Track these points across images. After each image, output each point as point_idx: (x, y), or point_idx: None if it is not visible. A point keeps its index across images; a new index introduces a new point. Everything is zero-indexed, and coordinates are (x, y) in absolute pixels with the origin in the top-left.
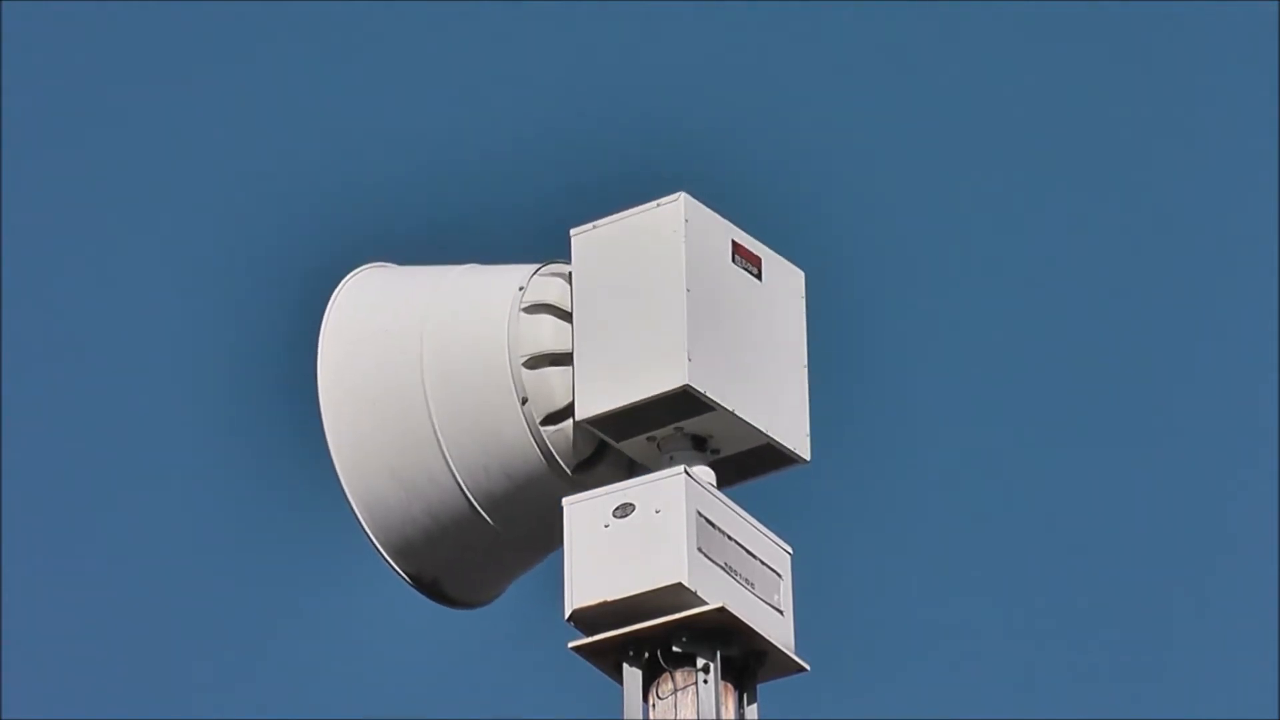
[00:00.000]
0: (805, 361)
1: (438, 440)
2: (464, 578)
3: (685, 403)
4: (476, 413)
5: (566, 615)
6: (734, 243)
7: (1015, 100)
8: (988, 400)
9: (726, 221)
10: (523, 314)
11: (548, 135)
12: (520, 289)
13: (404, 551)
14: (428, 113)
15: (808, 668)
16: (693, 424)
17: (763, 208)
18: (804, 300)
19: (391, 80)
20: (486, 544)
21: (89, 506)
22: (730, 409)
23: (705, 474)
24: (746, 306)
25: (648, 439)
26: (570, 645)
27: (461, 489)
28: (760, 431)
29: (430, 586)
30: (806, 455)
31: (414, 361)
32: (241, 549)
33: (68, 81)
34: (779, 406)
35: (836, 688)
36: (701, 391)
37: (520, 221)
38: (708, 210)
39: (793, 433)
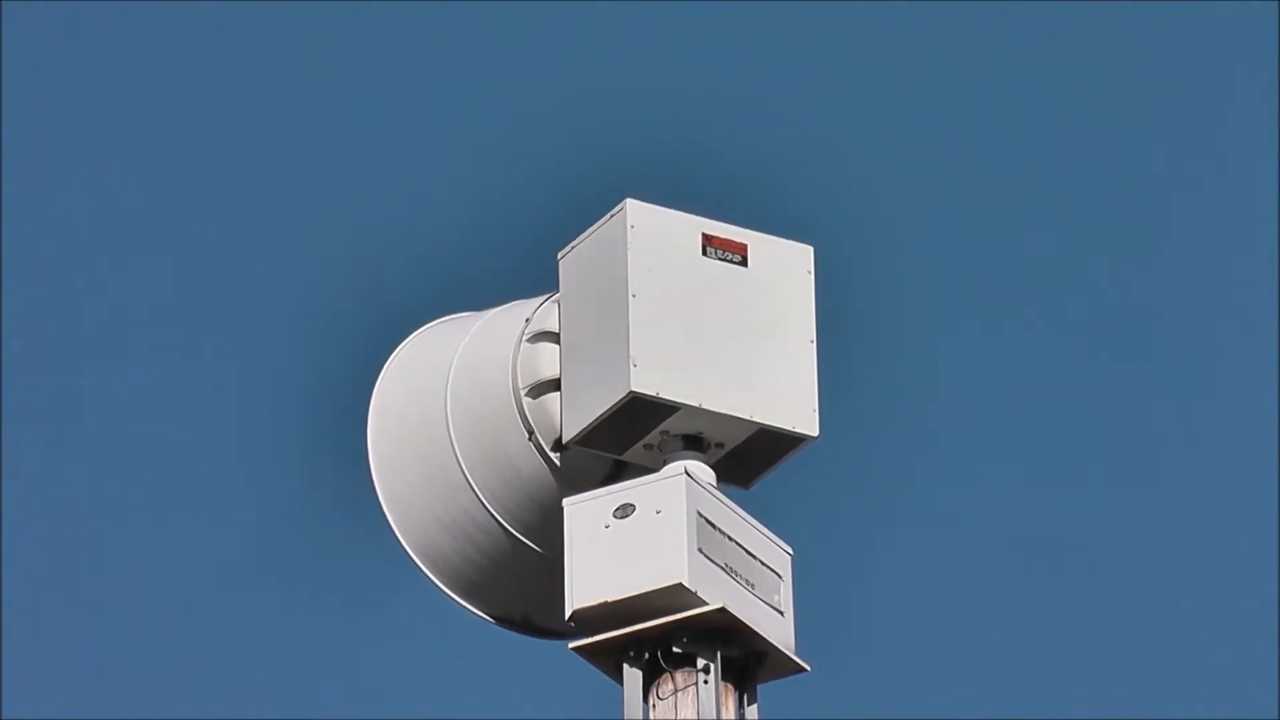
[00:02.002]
0: (813, 337)
1: (467, 480)
2: (552, 608)
3: (649, 407)
4: (493, 447)
5: (567, 615)
6: (705, 235)
7: (1021, 82)
8: (991, 401)
9: (695, 216)
10: (526, 344)
11: (573, 150)
12: (526, 320)
13: (476, 595)
14: (494, 147)
15: (808, 668)
16: (673, 425)
17: (774, 191)
18: (812, 275)
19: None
20: (549, 572)
21: (142, 546)
22: (696, 404)
23: (706, 474)
24: (727, 295)
25: (645, 447)
26: (571, 645)
27: (501, 525)
28: (746, 420)
29: (524, 625)
30: (813, 431)
31: (440, 406)
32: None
33: (137, 109)
34: (774, 389)
35: (837, 688)
36: (652, 394)
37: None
38: (668, 210)
39: (794, 412)
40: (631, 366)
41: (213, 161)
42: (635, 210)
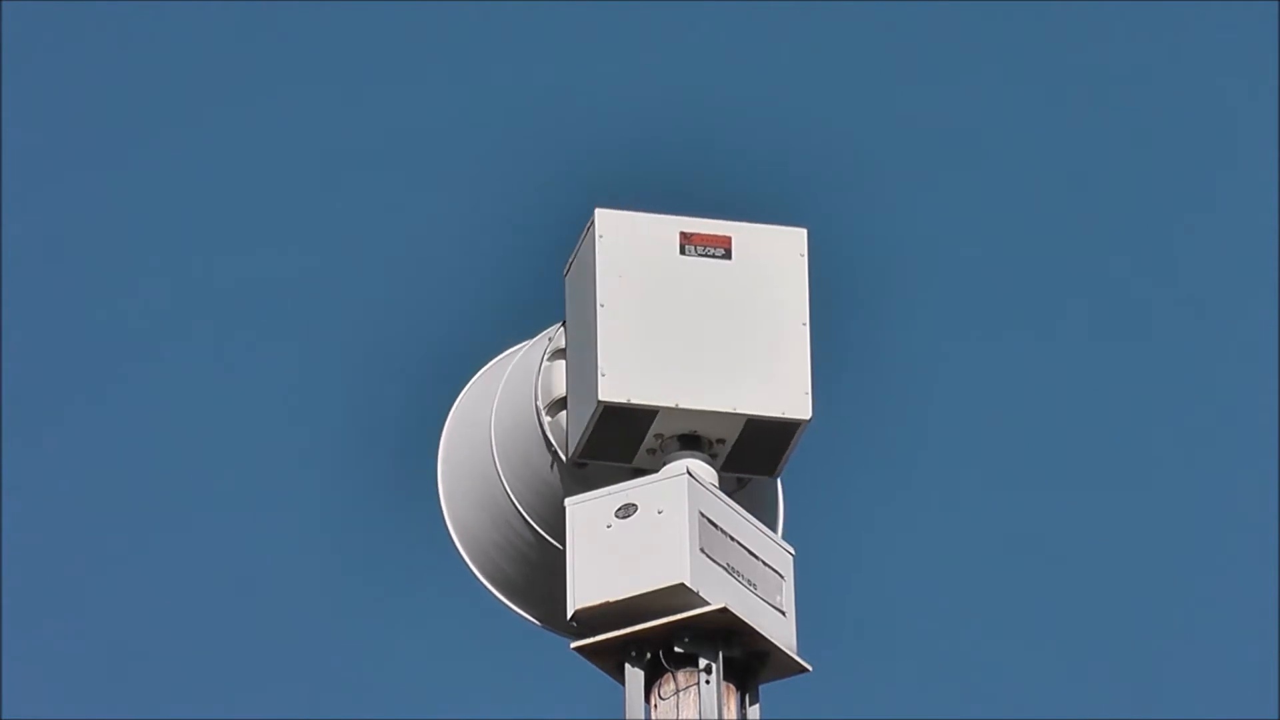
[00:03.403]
0: (806, 319)
1: (516, 507)
2: None
3: (627, 414)
4: (527, 468)
5: (569, 615)
6: (683, 233)
7: (1015, 69)
8: (995, 400)
9: (674, 216)
10: (546, 363)
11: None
12: (549, 339)
13: (552, 615)
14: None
15: (810, 668)
16: (662, 427)
17: (779, 182)
18: (805, 258)
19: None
20: None
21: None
22: (673, 404)
23: (707, 474)
24: (708, 291)
25: (648, 451)
26: (572, 645)
27: (554, 546)
28: (731, 413)
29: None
30: (805, 414)
31: (487, 434)
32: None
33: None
34: (762, 377)
35: (838, 688)
36: (623, 402)
37: None
38: (643, 214)
39: (783, 398)
40: (600, 377)
41: (229, 163)
42: (604, 219)
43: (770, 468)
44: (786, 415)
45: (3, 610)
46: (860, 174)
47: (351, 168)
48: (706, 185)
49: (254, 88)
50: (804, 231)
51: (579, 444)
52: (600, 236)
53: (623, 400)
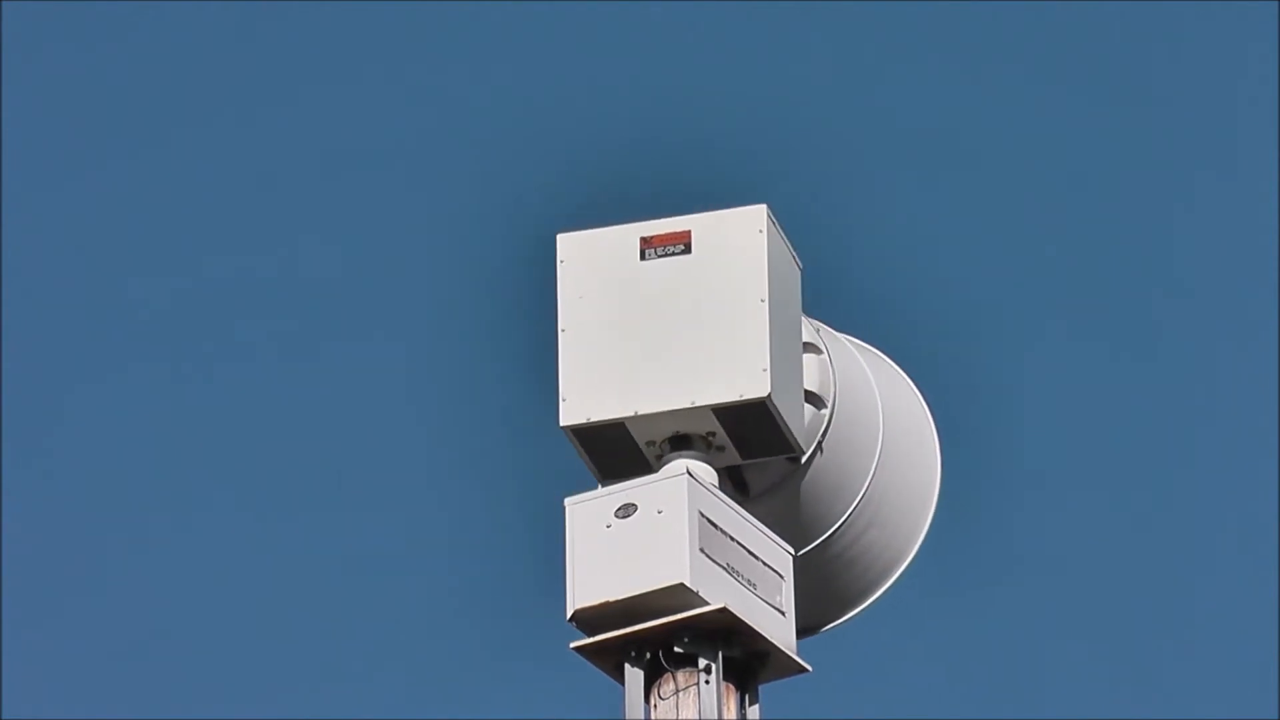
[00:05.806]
0: (764, 296)
1: None
2: None
3: (600, 431)
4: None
5: (568, 615)
6: (642, 239)
7: (1006, 62)
8: (994, 395)
9: (634, 224)
10: None
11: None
12: None
13: None
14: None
15: (809, 668)
16: (647, 435)
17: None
18: (765, 234)
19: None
20: None
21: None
22: (632, 413)
23: (707, 473)
24: (668, 289)
25: (656, 459)
26: (572, 645)
27: None
28: (690, 407)
29: None
30: (763, 391)
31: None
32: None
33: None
34: (720, 364)
35: (838, 688)
36: (584, 421)
37: None
38: (604, 229)
39: (740, 380)
40: (561, 403)
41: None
42: (564, 243)
43: (786, 447)
44: (745, 397)
45: (3, 610)
46: (858, 170)
47: (349, 168)
48: (705, 185)
49: (253, 88)
50: (763, 208)
51: (593, 469)
52: (561, 262)
53: (582, 421)
